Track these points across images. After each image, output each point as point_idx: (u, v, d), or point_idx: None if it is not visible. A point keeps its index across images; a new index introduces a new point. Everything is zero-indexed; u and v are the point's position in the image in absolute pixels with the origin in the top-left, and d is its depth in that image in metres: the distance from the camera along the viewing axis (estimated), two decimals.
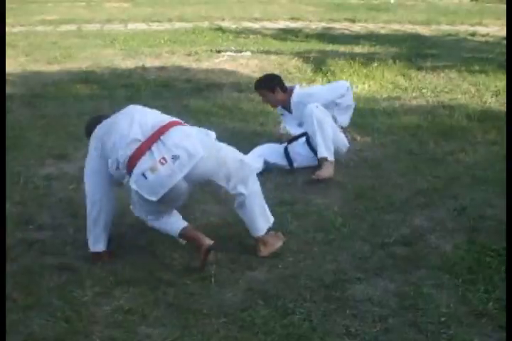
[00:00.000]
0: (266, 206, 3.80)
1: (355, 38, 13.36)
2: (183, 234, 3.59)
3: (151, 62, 10.31)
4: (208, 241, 3.51)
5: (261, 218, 3.76)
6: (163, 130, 3.44)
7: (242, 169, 3.68)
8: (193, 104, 7.39)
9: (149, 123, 3.50)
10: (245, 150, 5.29)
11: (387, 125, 6.56)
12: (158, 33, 14.15)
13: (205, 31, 14.23)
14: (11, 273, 3.48)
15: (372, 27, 16.32)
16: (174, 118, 3.66)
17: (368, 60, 10.11)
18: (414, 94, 8.19)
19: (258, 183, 3.77)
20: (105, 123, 3.69)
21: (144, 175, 3.31)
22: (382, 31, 15.33)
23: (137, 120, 3.53)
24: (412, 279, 3.45)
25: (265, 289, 3.34)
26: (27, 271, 3.54)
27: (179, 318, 3.08)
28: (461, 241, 3.90)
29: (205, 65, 10.10)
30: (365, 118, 6.79)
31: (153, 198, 3.33)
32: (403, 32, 15.20)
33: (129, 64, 10.19)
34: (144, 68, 9.81)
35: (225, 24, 15.91)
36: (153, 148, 3.36)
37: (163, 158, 3.31)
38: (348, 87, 5.18)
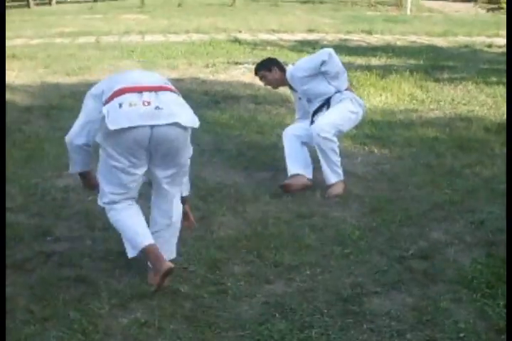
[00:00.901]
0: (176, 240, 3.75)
1: (372, 50, 13.35)
2: (146, 250, 3.44)
3: (168, 74, 10.33)
4: (169, 265, 3.37)
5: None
6: (162, 88, 3.44)
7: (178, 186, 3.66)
8: (210, 116, 7.40)
9: (153, 78, 3.54)
10: (262, 163, 5.34)
11: (404, 137, 6.54)
12: (175, 44, 14.20)
13: (222, 43, 14.27)
14: (28, 285, 3.50)
15: (388, 38, 16.29)
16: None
17: (384, 71, 10.09)
18: (431, 106, 8.15)
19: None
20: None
21: (120, 104, 3.27)
22: (399, 43, 15.31)
23: (139, 73, 3.70)
24: (430, 293, 3.43)
25: (282, 302, 3.32)
26: (44, 282, 3.54)
27: (196, 332, 3.07)
28: (480, 255, 3.87)
29: (222, 76, 10.12)
30: (382, 130, 6.78)
31: (113, 127, 3.22)
32: (420, 44, 15.17)
33: None
34: None
35: (241, 36, 15.96)
36: (145, 93, 3.33)
37: (148, 102, 3.28)
38: (329, 53, 5.04)
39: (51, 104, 8.20)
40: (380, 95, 8.60)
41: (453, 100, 8.49)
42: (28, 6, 38.73)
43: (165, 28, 17.64)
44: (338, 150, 5.07)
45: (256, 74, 5.46)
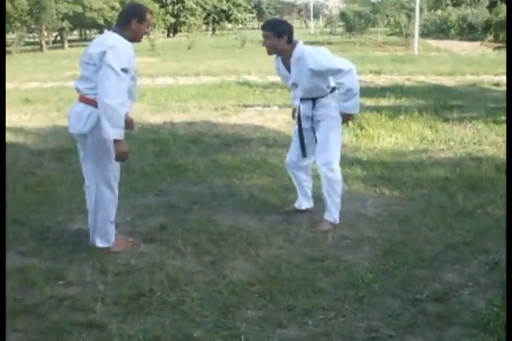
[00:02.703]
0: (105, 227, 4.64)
1: (381, 91, 13.45)
2: None
3: (179, 117, 10.44)
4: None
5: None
6: (82, 99, 4.40)
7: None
8: (222, 159, 7.45)
9: (77, 80, 4.49)
10: (274, 206, 5.34)
11: (415, 178, 6.54)
12: (185, 87, 14.37)
13: (232, 85, 14.42)
14: (40, 330, 3.49)
15: (397, 79, 16.45)
16: (82, 88, 4.40)
17: (394, 112, 10.16)
18: (441, 146, 8.17)
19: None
20: None
21: None
22: (408, 83, 15.44)
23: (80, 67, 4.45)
24: (446, 337, 3.39)
25: None
26: (56, 327, 3.52)
27: None
28: (495, 297, 3.83)
29: (233, 119, 10.20)
30: (392, 171, 6.79)
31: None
32: (428, 83, 15.29)
33: (158, 119, 10.32)
34: (172, 123, 9.93)
35: (251, 78, 16.12)
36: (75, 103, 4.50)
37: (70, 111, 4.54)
38: (350, 68, 4.81)
39: (63, 148, 8.26)
40: (390, 136, 8.63)
41: (463, 139, 8.51)
42: (41, 49, 39.58)
43: (175, 71, 17.87)
44: (340, 191, 5.21)
45: (264, 30, 5.02)
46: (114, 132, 4.21)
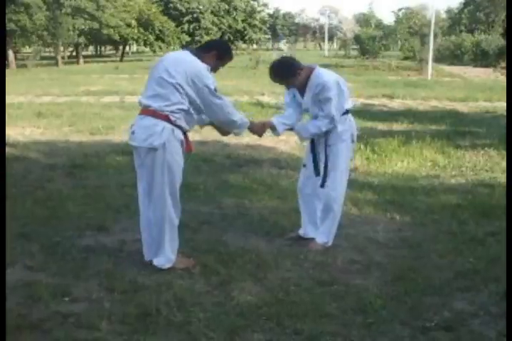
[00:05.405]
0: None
1: (394, 115, 13.45)
2: None
3: (191, 137, 10.37)
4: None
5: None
6: (148, 112, 4.45)
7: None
8: (232, 180, 7.44)
9: (147, 96, 4.50)
10: (284, 228, 5.32)
11: (426, 204, 6.50)
12: None
13: (245, 106, 14.42)
14: None
15: (410, 103, 16.47)
16: (155, 105, 4.42)
17: (406, 137, 10.14)
18: (453, 173, 8.14)
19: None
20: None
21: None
22: (421, 108, 15.44)
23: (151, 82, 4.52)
24: None
25: None
26: None
27: None
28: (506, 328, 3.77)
29: (245, 140, 10.16)
30: (404, 196, 6.75)
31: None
32: (441, 109, 15.29)
33: None
34: None
35: (264, 99, 16.16)
36: (137, 116, 4.55)
37: (133, 125, 4.56)
38: (332, 116, 4.98)
39: (75, 163, 8.29)
40: (402, 161, 8.61)
41: (475, 166, 8.49)
42: (56, 64, 39.92)
43: None
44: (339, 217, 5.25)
45: (279, 82, 5.05)
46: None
